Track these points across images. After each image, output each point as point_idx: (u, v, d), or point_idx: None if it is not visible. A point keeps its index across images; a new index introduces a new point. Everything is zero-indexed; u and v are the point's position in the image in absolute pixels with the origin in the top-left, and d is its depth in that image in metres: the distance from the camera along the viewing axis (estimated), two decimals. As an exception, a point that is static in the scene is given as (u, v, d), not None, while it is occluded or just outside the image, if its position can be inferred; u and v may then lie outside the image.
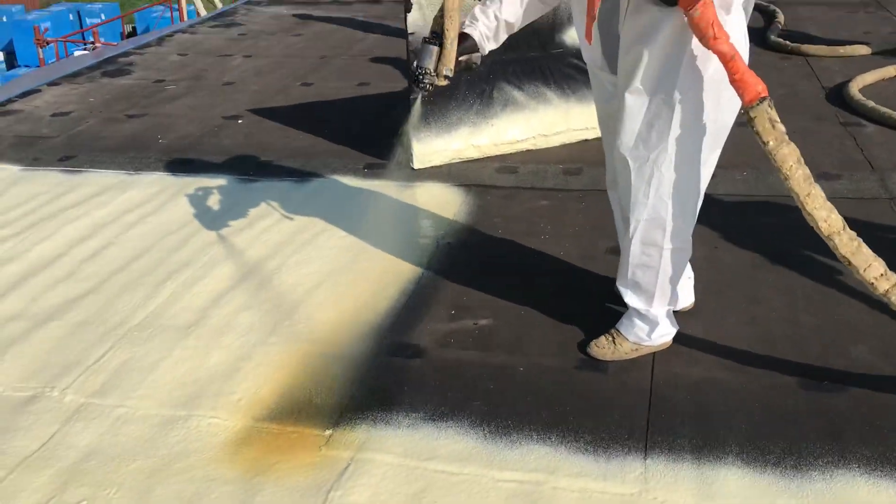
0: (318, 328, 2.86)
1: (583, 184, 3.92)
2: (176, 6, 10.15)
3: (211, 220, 3.69)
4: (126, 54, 6.69)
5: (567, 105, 4.34)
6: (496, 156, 4.28)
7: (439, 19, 2.26)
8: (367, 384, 2.57)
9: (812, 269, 3.08)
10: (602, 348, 2.62)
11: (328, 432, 2.37)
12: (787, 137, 2.10)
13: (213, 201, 3.88)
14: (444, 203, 3.79)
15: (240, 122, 4.99)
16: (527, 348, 2.71)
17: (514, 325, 2.84)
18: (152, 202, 3.91)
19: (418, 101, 2.14)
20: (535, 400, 2.47)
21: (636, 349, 2.61)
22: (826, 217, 2.12)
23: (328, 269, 3.23)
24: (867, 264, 2.13)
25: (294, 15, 7.94)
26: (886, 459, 2.17)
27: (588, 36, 2.34)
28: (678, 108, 2.20)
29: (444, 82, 2.30)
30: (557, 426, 2.35)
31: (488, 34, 2.37)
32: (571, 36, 4.21)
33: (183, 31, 7.44)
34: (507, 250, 3.35)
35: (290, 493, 2.16)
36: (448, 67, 2.26)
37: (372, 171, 4.18)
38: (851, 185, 3.75)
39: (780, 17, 6.57)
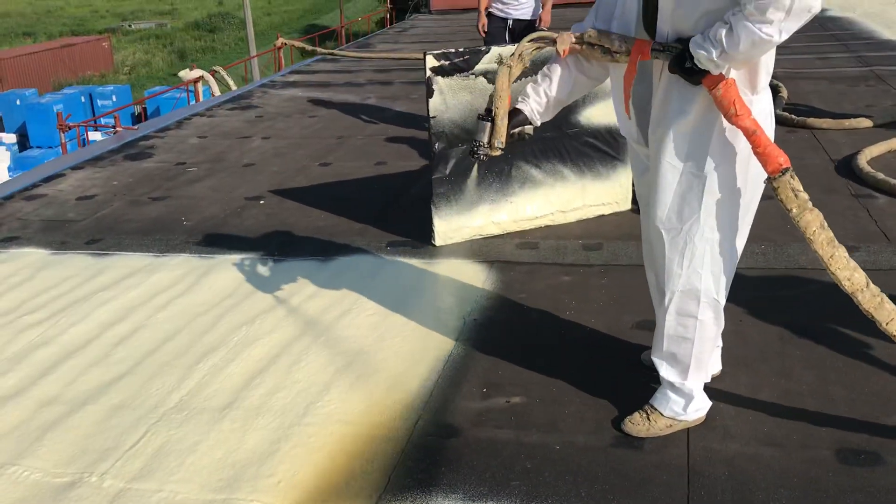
0: (351, 408, 2.88)
1: (603, 259, 3.99)
2: (192, 88, 10.44)
3: (239, 300, 3.75)
4: (146, 137, 6.87)
5: (583, 182, 4.44)
6: (515, 232, 4.36)
7: (491, 98, 2.45)
8: (404, 465, 2.58)
9: (839, 341, 3.11)
10: (637, 425, 2.64)
11: (369, 515, 2.38)
12: (809, 204, 2.23)
13: (240, 282, 3.95)
14: (468, 279, 3.85)
15: (262, 202, 5.10)
16: (561, 426, 2.73)
17: (546, 403, 2.86)
18: (180, 284, 3.97)
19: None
20: (573, 479, 2.47)
21: (671, 425, 2.62)
22: (849, 276, 2.25)
23: (357, 349, 3.27)
24: (889, 318, 2.21)
25: (308, 99, 8.16)
26: (931, 534, 2.17)
27: (626, 110, 2.44)
28: (708, 181, 2.29)
29: (497, 153, 2.50)
30: (598, 506, 2.36)
31: (539, 109, 2.54)
32: (586, 116, 4.34)
33: (200, 115, 7.64)
34: (534, 326, 3.39)
35: (334, 577, 2.15)
36: (500, 140, 2.46)
37: (394, 248, 4.25)
38: (869, 258, 3.81)
39: (784, 92, 6.76)
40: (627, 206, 4.56)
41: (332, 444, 2.69)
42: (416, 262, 4.08)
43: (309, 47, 10.92)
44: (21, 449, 2.77)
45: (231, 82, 11.17)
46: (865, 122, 5.87)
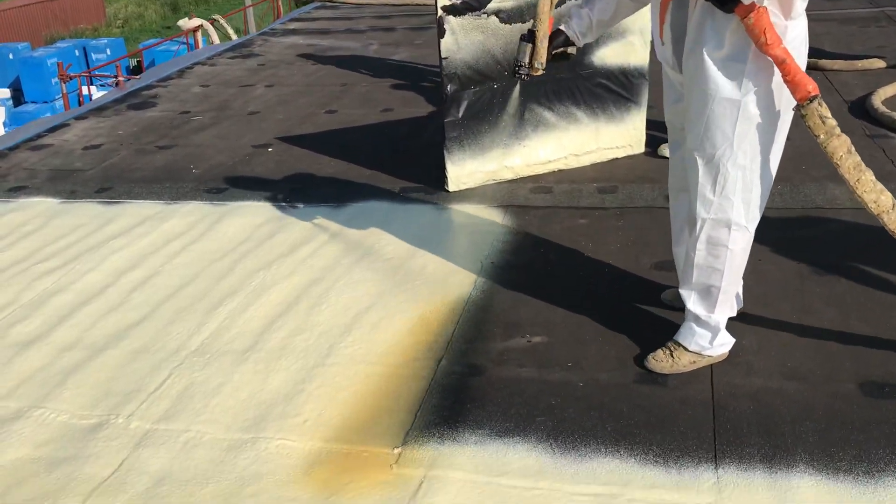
0: (374, 349, 2.89)
1: (619, 202, 3.96)
2: (192, 39, 10.27)
3: (254, 246, 3.73)
4: (149, 87, 6.78)
5: (596, 125, 4.39)
6: (529, 176, 4.33)
7: (533, 20, 2.51)
8: (429, 403, 2.59)
9: (859, 279, 3.11)
10: (660, 362, 2.65)
11: (397, 451, 2.39)
12: (837, 130, 2.26)
13: (254, 228, 3.92)
14: (483, 224, 3.83)
15: (269, 150, 5.05)
16: (584, 364, 2.74)
17: (567, 342, 2.86)
18: (193, 231, 3.95)
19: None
20: (598, 415, 2.49)
21: (694, 361, 2.63)
22: (875, 199, 2.28)
23: (377, 291, 3.27)
24: None
25: (309, 45, 8.04)
26: (958, 463, 2.19)
27: (661, 35, 2.42)
28: (742, 107, 2.28)
29: (538, 73, 2.57)
30: (624, 440, 2.37)
31: (581, 31, 2.60)
32: (600, 57, 4.27)
33: (202, 63, 7.53)
34: (552, 268, 3.38)
35: (366, 512, 2.17)
36: (540, 62, 2.54)
37: (407, 194, 4.22)
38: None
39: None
40: (641, 149, 4.52)
41: (356, 385, 2.70)
42: (429, 207, 4.06)
43: (307, -6, 10.73)
44: (45, 392, 2.78)
45: (230, 31, 10.98)
46: (879, 63, 5.79)
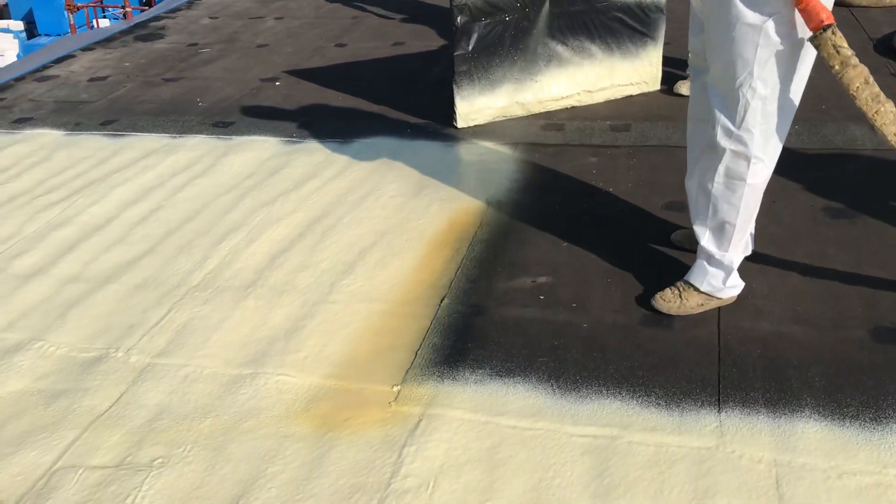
0: (377, 287, 2.85)
1: (632, 140, 3.86)
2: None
3: (259, 181, 3.68)
4: (157, 18, 6.66)
5: (611, 60, 4.26)
6: (541, 113, 4.23)
7: None
8: (430, 342, 2.56)
9: (873, 224, 3.02)
10: (668, 302, 2.59)
11: (396, 388, 2.37)
12: (853, 60, 2.16)
13: (260, 163, 3.86)
14: (492, 161, 3.75)
15: (277, 83, 4.95)
16: (588, 305, 2.69)
17: (573, 283, 2.81)
18: (198, 165, 3.90)
19: None
20: (601, 356, 2.45)
21: (702, 303, 2.57)
22: None
23: (381, 229, 3.22)
24: None
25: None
26: (968, 411, 2.14)
27: None
28: (762, 33, 2.18)
29: None
30: (627, 381, 2.34)
31: None
32: (617, -11, 4.12)
33: (211, -6, 7.37)
34: (560, 208, 3.31)
35: (363, 448, 2.16)
36: None
37: (415, 130, 4.14)
38: (909, 138, 3.67)
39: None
40: (657, 86, 4.39)
41: (358, 322, 2.67)
42: (437, 143, 3.98)
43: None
44: (45, 325, 2.77)
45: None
46: (908, 0, 5.57)
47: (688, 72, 4.13)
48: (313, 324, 2.68)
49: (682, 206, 3.21)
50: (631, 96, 4.36)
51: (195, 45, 5.87)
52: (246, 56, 5.54)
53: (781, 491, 1.95)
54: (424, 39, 5.63)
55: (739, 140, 2.34)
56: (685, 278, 2.61)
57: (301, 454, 2.16)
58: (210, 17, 6.59)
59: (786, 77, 2.26)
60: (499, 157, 3.78)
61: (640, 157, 3.70)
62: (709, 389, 2.29)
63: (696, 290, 2.57)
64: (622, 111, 4.20)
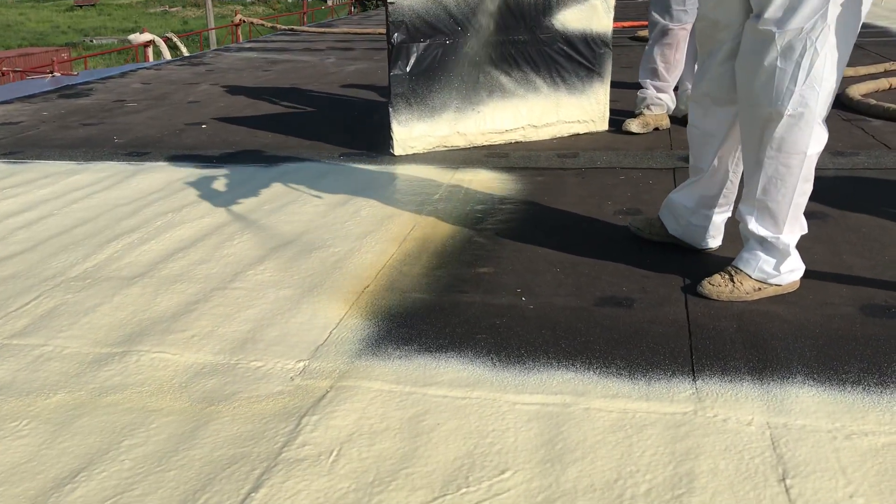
0: (289, 277, 2.43)
1: (581, 164, 3.59)
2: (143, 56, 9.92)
3: (167, 195, 3.28)
4: (86, 83, 6.37)
5: (557, 95, 4.05)
6: (483, 146, 3.96)
7: None
8: (348, 322, 2.13)
9: (846, 222, 2.74)
10: (717, 286, 2.19)
11: (301, 364, 1.92)
12: None
13: (170, 182, 3.47)
14: (430, 178, 3.42)
15: (203, 126, 4.63)
16: (536, 290, 2.30)
17: (518, 271, 2.44)
18: (101, 183, 3.49)
19: None
20: (551, 333, 2.05)
21: (759, 289, 2.18)
22: None
23: (301, 230, 2.82)
24: None
25: (264, 59, 7.72)
26: None
27: None
28: None
29: None
30: (582, 354, 1.93)
31: None
32: (560, 21, 3.96)
33: (148, 69, 7.16)
34: (504, 213, 2.97)
35: (251, 420, 1.69)
36: None
37: (348, 157, 3.82)
38: (871, 160, 3.47)
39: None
40: (605, 126, 4.18)
41: (263, 305, 2.24)
42: (371, 166, 3.65)
43: (268, 24, 10.49)
44: None
45: (184, 50, 10.65)
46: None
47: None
48: (207, 307, 2.23)
49: (638, 211, 2.91)
50: (578, 134, 4.13)
51: (123, 101, 5.56)
52: (175, 109, 5.23)
53: (780, 451, 1.54)
54: (364, 97, 5.42)
55: (801, 101, 1.97)
56: (734, 263, 2.22)
57: (169, 427, 1.68)
58: (142, 83, 6.33)
59: (852, 26, 1.96)
60: (438, 175, 3.46)
61: (589, 175, 3.41)
62: (680, 360, 1.89)
63: (749, 276, 2.18)
64: (569, 144, 3.95)
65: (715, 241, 2.48)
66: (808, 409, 1.67)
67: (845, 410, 1.67)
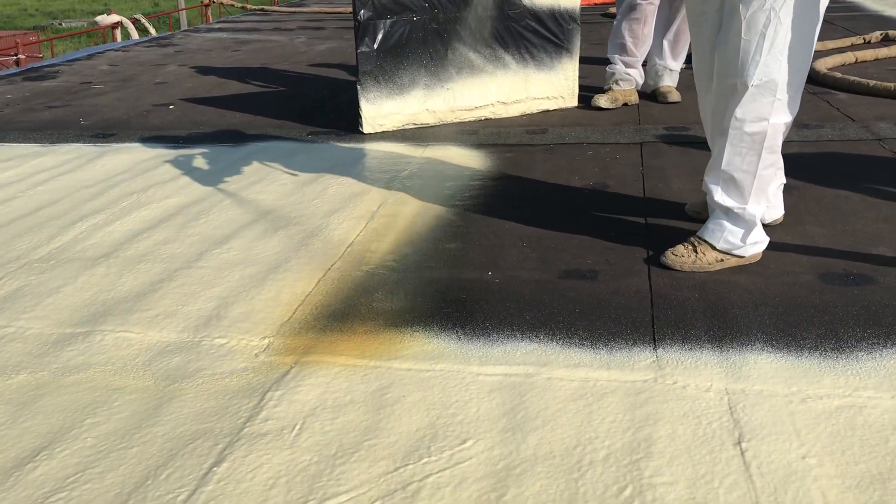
0: (255, 255, 2.43)
1: (550, 139, 3.60)
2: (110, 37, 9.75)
3: (133, 175, 3.25)
4: (52, 65, 6.28)
5: (526, 72, 4.05)
6: (453, 122, 3.95)
7: None
8: (313, 299, 2.14)
9: (807, 194, 2.78)
10: (680, 256, 2.21)
11: (266, 341, 1.92)
12: None
13: (137, 163, 3.44)
14: (399, 155, 3.42)
15: (171, 107, 4.58)
16: (501, 264, 2.32)
17: (484, 247, 2.44)
18: (67, 165, 3.45)
19: None
20: (515, 306, 2.06)
21: (722, 260, 2.20)
22: None
23: (268, 209, 2.81)
24: None
25: (234, 40, 7.64)
26: (942, 336, 1.82)
27: None
28: None
29: None
30: (545, 326, 1.95)
31: None
32: (528, -4, 3.95)
33: (115, 50, 7.06)
34: (473, 189, 2.97)
35: (215, 397, 1.70)
36: None
37: (316, 136, 3.80)
38: (835, 132, 3.51)
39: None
40: (574, 102, 4.18)
41: (227, 284, 2.23)
42: (339, 145, 3.64)
43: (238, 4, 10.36)
44: None
45: (153, 31, 10.50)
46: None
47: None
48: (172, 286, 2.23)
49: (605, 185, 2.92)
50: (548, 111, 4.13)
51: (89, 83, 5.49)
52: (142, 90, 5.17)
53: (737, 416, 1.56)
54: (334, 75, 5.38)
55: (765, 70, 2.00)
56: (699, 234, 2.24)
57: (132, 405, 1.68)
58: (109, 65, 6.24)
59: (813, 10, 1.99)
60: (407, 152, 3.45)
61: (557, 151, 3.42)
62: (641, 330, 1.92)
63: (713, 247, 2.21)
64: (539, 120, 3.96)
65: (774, 212, 2.45)
66: (765, 375, 1.70)
67: (801, 375, 1.70)
